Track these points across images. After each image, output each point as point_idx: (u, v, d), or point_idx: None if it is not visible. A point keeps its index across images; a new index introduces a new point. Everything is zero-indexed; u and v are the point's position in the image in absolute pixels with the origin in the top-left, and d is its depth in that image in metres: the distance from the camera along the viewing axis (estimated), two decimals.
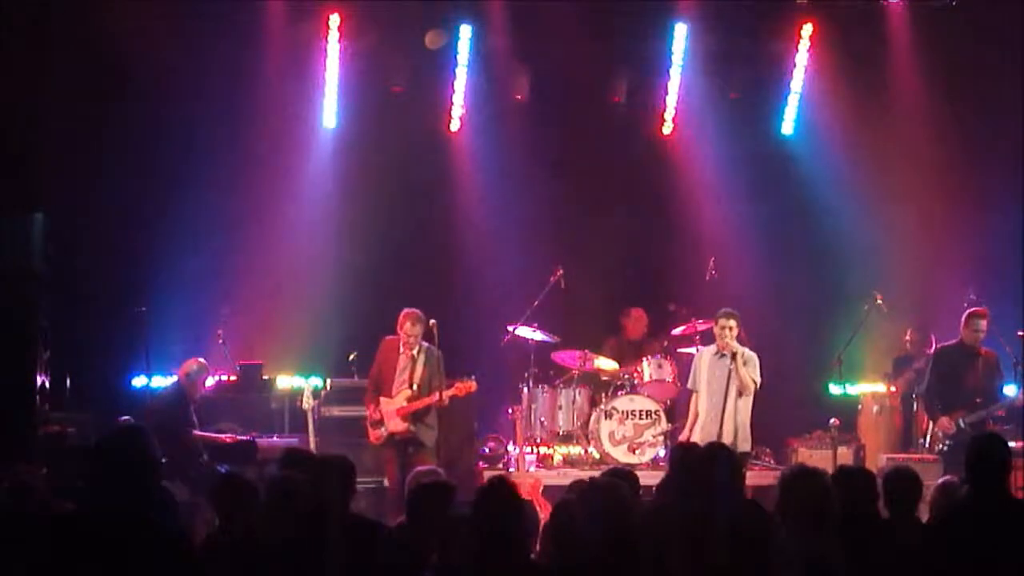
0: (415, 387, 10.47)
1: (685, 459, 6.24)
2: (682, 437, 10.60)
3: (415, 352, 10.52)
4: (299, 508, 5.43)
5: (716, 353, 10.52)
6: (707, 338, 11.71)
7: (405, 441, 10.47)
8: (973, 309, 10.87)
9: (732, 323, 10.36)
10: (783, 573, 5.14)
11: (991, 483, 5.51)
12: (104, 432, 4.87)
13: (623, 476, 6.67)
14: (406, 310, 10.56)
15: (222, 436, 10.89)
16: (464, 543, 5.06)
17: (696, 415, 10.61)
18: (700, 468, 5.84)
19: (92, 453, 4.73)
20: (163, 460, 5.27)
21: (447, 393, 10.50)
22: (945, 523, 5.60)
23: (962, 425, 10.43)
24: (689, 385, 10.87)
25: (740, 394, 10.33)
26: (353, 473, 6.38)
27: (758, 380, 10.40)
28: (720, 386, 10.35)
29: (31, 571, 4.64)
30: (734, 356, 10.27)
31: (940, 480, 7.18)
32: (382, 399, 10.53)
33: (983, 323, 10.69)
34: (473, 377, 10.85)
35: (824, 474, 5.51)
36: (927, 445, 10.79)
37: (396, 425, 10.46)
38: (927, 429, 10.84)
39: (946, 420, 10.55)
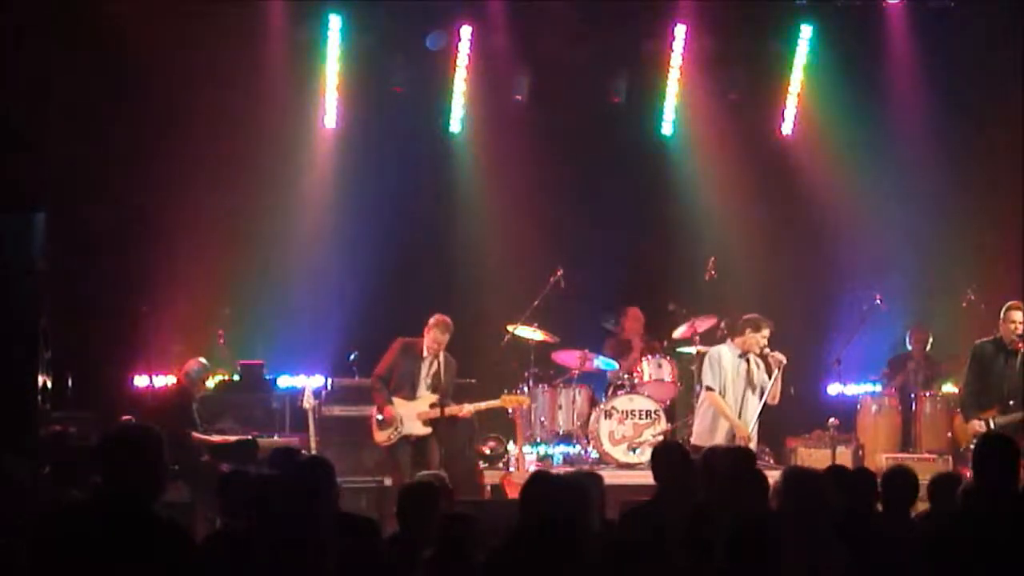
0: (441, 392, 10.51)
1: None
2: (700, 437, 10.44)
3: (439, 357, 10.56)
4: (281, 507, 5.48)
5: (739, 355, 10.38)
6: (707, 338, 11.74)
7: (418, 441, 10.48)
8: (1011, 302, 10.42)
9: (768, 333, 10.19)
10: (784, 574, 5.16)
11: (998, 483, 5.51)
12: (114, 429, 4.89)
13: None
14: (440, 316, 10.56)
15: (223, 436, 10.89)
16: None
17: (730, 418, 10.26)
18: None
19: (101, 449, 4.75)
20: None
21: (493, 404, 10.73)
22: (951, 522, 5.60)
23: (992, 427, 9.89)
24: (709, 382, 10.31)
25: (760, 396, 10.23)
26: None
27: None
28: (742, 387, 10.26)
29: (36, 567, 4.66)
30: (781, 365, 10.14)
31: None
32: (397, 400, 10.53)
33: (1019, 315, 10.22)
34: (524, 393, 11.18)
35: (823, 475, 5.53)
36: (951, 442, 10.60)
37: (416, 428, 10.47)
38: (956, 428, 10.64)
39: (977, 423, 10.08)
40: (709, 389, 10.33)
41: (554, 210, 13.08)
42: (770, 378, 10.19)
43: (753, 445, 10.13)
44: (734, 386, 10.29)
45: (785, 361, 10.20)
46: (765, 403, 10.19)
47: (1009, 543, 5.30)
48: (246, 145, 12.32)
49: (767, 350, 10.20)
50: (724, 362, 10.32)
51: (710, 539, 5.25)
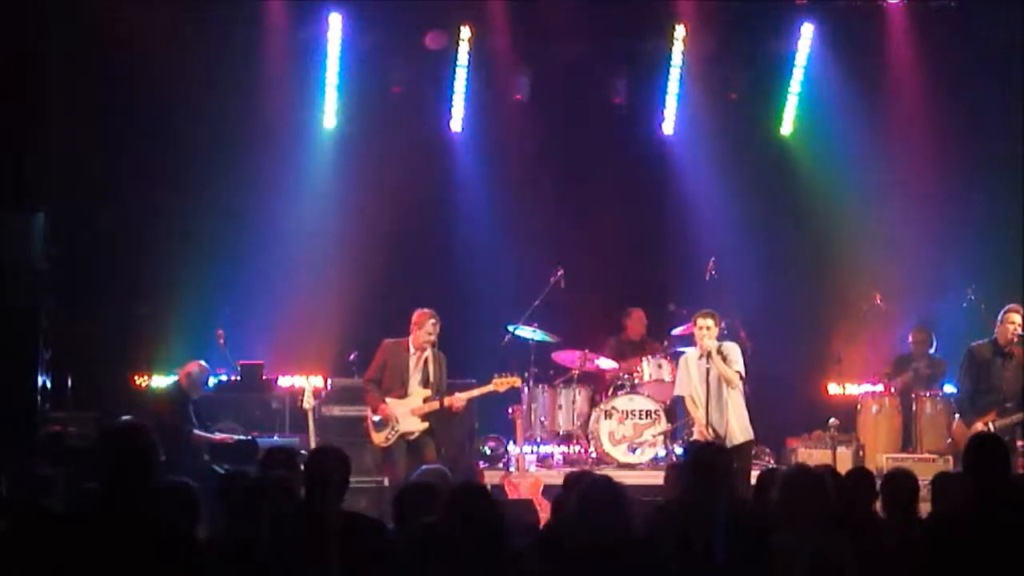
0: (432, 387, 10.49)
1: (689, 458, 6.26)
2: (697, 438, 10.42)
3: (427, 353, 10.53)
4: (279, 507, 5.48)
5: (699, 356, 10.36)
6: None
7: (415, 440, 10.46)
8: (1010, 305, 10.39)
9: (710, 323, 10.10)
10: (784, 572, 5.16)
11: (992, 481, 5.51)
12: (104, 429, 4.89)
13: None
14: (426, 311, 10.38)
15: (223, 436, 10.89)
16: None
17: (696, 417, 10.40)
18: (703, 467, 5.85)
19: (94, 449, 4.75)
20: (163, 459, 5.35)
21: (485, 389, 10.62)
22: (946, 521, 5.61)
23: (991, 429, 9.79)
24: (677, 391, 10.54)
25: (729, 388, 10.19)
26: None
27: (742, 371, 10.16)
28: (710, 384, 10.20)
29: (31, 570, 4.65)
30: (710, 355, 10.12)
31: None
32: (390, 399, 10.50)
33: (1017, 317, 10.20)
34: (516, 374, 10.91)
35: (823, 473, 5.53)
36: (951, 446, 10.56)
37: (412, 424, 10.42)
38: (956, 431, 10.59)
39: (980, 425, 10.01)
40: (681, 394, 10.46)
41: (554, 210, 13.10)
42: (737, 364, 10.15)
43: (741, 437, 10.00)
44: (701, 386, 10.19)
45: (711, 347, 10.04)
46: (728, 392, 10.02)
47: (1004, 542, 5.30)
48: (246, 145, 12.33)
49: (705, 340, 10.09)
50: (690, 364, 10.28)
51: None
